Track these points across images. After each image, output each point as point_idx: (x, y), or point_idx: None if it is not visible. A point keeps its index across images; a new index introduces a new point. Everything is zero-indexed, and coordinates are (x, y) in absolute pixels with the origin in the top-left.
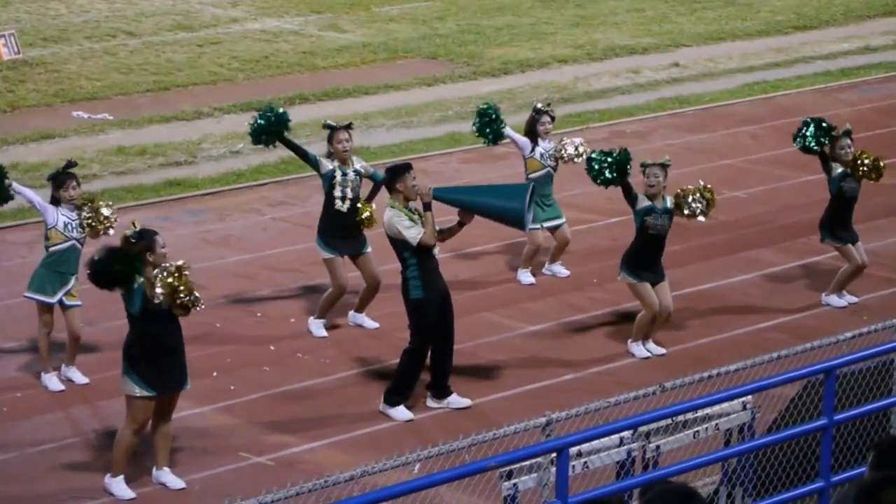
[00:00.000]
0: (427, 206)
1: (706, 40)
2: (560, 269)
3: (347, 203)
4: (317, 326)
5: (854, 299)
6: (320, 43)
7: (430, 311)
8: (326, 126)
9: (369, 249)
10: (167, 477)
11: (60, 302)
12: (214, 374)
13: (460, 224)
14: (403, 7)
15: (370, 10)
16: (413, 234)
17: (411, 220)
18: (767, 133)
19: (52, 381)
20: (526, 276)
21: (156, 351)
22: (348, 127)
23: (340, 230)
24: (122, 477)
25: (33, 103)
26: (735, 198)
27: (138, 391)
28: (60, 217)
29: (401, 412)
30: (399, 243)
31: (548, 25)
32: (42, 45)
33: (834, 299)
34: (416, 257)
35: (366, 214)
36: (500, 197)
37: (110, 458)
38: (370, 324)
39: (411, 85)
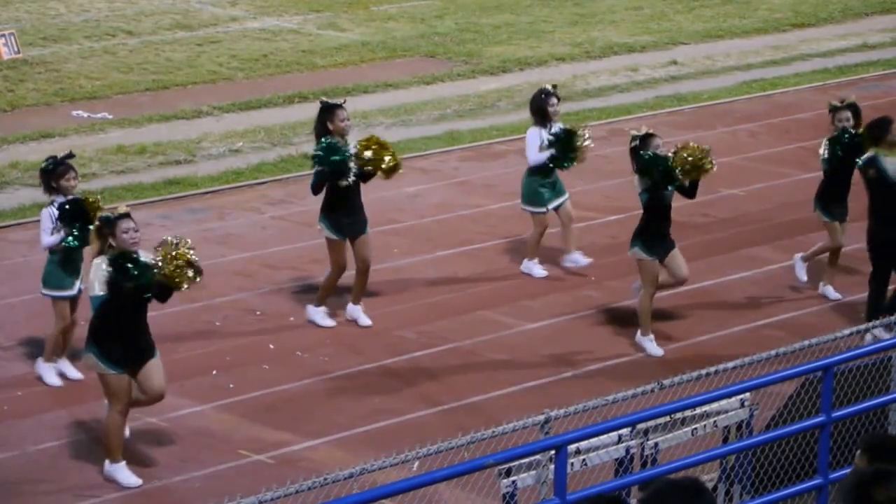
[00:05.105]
0: None
1: (704, 38)
2: (580, 258)
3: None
4: (321, 316)
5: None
6: (319, 42)
7: None
8: (324, 104)
9: (370, 232)
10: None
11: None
12: (214, 372)
13: None
14: (402, 6)
15: (369, 9)
16: None
17: None
18: (766, 131)
19: (48, 373)
20: (537, 269)
21: (121, 331)
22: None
23: (348, 207)
24: (123, 463)
25: (33, 102)
26: (733, 195)
27: (104, 369)
28: (56, 213)
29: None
30: None
31: (546, 24)
32: (42, 45)
33: (830, 291)
34: None
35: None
36: None
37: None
38: (364, 320)
39: (410, 83)
